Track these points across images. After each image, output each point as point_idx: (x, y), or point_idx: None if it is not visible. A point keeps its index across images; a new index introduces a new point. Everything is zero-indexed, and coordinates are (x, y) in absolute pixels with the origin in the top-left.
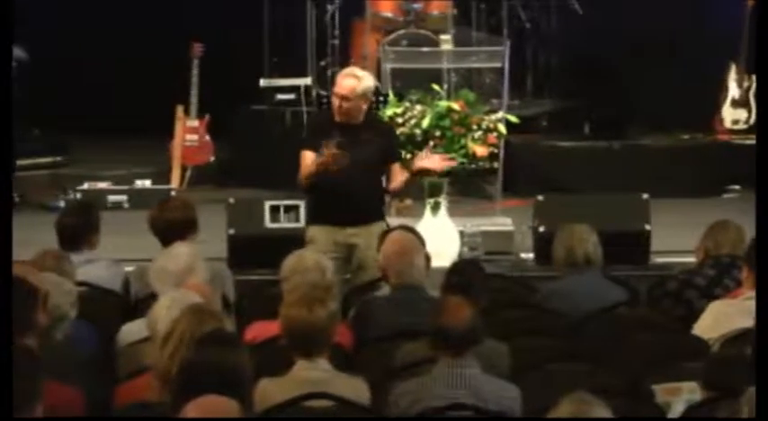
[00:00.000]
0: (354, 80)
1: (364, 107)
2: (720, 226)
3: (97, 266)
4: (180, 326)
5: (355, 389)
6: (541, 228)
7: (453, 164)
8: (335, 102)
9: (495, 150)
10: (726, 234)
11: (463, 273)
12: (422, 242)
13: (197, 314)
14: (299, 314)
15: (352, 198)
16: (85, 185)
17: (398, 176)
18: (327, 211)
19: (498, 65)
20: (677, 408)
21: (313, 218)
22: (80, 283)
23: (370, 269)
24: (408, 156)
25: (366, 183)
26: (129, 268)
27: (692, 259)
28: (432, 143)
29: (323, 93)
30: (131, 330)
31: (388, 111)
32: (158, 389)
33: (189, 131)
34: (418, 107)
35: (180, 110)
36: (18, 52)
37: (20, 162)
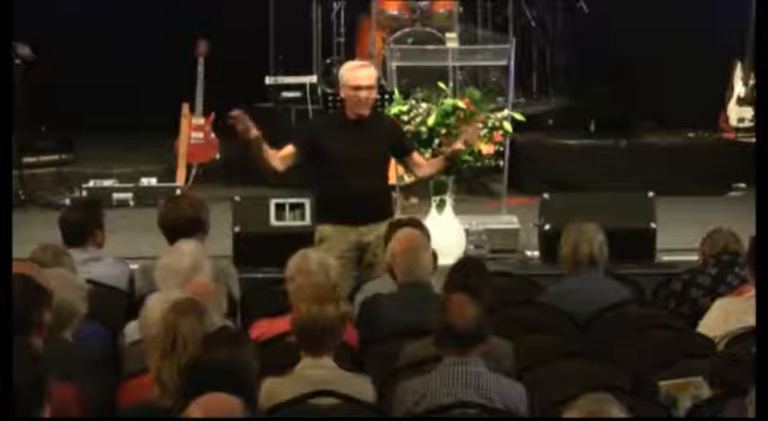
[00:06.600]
0: (369, 68)
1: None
2: (712, 231)
3: (102, 264)
4: (164, 325)
5: (360, 387)
6: (547, 226)
7: (481, 122)
8: (356, 95)
9: (501, 148)
10: (719, 234)
11: (464, 272)
12: (428, 237)
13: (177, 312)
14: (310, 311)
15: (361, 195)
16: (91, 183)
17: (428, 163)
18: (338, 209)
19: (504, 63)
20: (684, 404)
21: (323, 216)
22: (85, 281)
23: (380, 267)
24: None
25: (374, 178)
26: (134, 266)
27: (697, 257)
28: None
29: (328, 90)
30: (136, 328)
31: (394, 109)
32: (159, 390)
33: (194, 129)
34: (424, 105)
35: (186, 107)
36: (23, 50)
37: (26, 159)
